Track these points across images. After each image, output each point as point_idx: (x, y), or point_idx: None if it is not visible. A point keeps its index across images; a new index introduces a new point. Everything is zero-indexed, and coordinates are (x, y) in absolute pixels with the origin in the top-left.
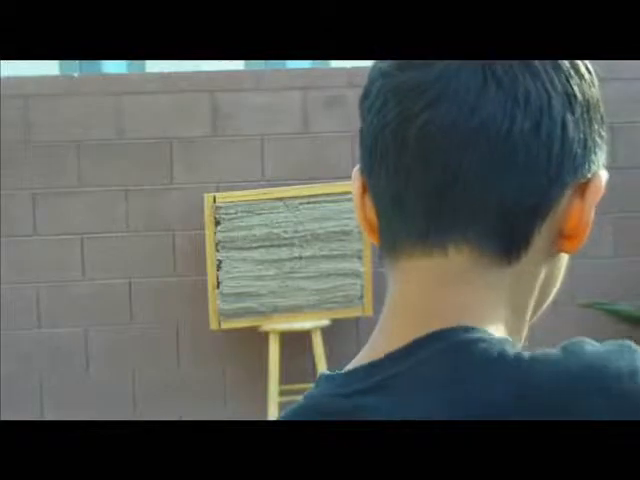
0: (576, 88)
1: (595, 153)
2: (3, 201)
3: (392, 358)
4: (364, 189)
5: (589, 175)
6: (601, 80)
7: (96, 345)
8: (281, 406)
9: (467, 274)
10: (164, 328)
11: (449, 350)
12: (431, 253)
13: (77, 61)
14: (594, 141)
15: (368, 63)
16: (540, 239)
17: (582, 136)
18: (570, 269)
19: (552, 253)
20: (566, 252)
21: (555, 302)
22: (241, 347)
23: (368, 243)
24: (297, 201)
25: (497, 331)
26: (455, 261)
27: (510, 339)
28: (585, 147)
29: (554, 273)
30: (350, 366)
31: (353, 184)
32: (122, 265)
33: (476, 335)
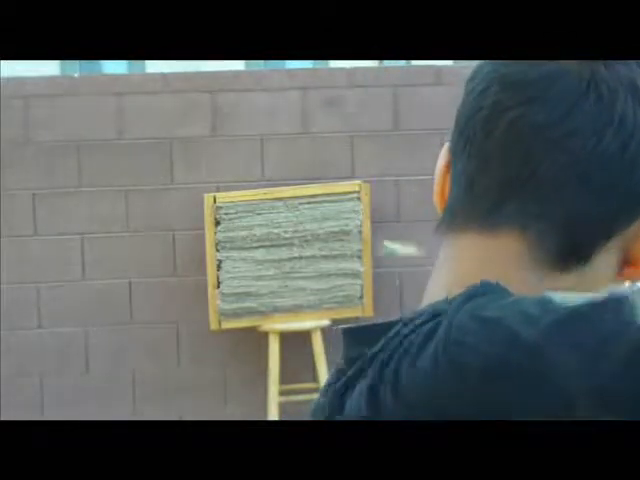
0: None
1: None
2: (3, 201)
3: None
4: (448, 166)
5: None
6: None
7: (96, 345)
8: (281, 406)
9: (509, 259)
10: (164, 328)
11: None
12: (485, 233)
13: (77, 61)
14: None
15: (368, 63)
16: (604, 259)
17: None
18: None
19: (614, 277)
20: (627, 279)
21: None
22: (241, 347)
23: (368, 243)
24: (297, 201)
25: None
26: (503, 243)
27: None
28: None
29: None
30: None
31: (440, 159)
32: (122, 265)
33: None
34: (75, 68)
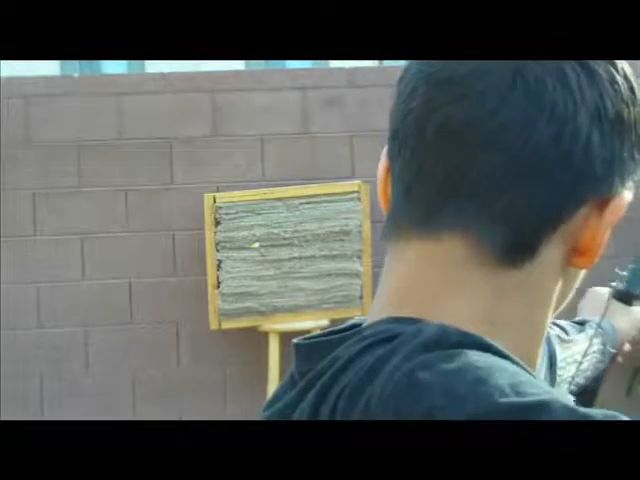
0: (609, 105)
1: (622, 173)
2: (3, 201)
3: (347, 332)
4: (387, 170)
5: (610, 194)
6: None
7: (96, 345)
8: None
9: (456, 262)
10: (164, 328)
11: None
12: (427, 239)
13: (77, 61)
14: (622, 160)
15: (368, 63)
16: (551, 250)
17: (608, 154)
18: None
19: (564, 266)
20: (578, 267)
21: None
22: (241, 347)
23: (368, 243)
24: (297, 201)
25: (485, 332)
26: (446, 247)
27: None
28: (610, 166)
29: (567, 286)
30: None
31: (380, 163)
32: (122, 265)
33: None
34: (75, 68)
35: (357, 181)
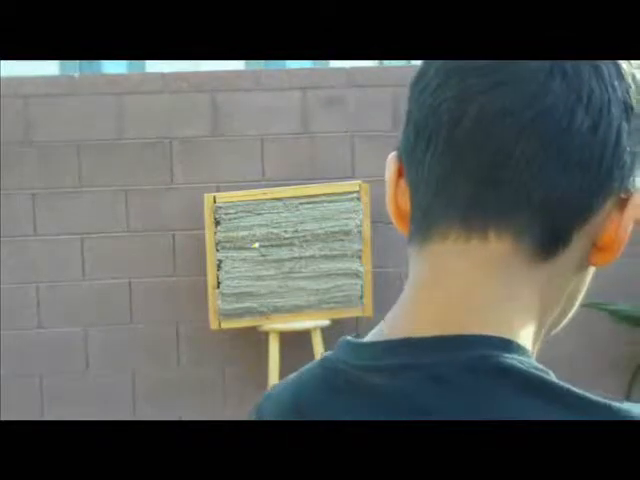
0: (633, 99)
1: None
2: (3, 201)
3: (424, 344)
4: (400, 174)
5: (632, 189)
6: None
7: (96, 345)
8: None
9: (506, 264)
10: (164, 328)
11: (480, 367)
12: (469, 237)
13: (77, 61)
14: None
15: (368, 63)
16: (576, 243)
17: (633, 147)
18: None
19: (584, 263)
20: (597, 264)
21: None
22: (241, 347)
23: (368, 243)
24: (297, 201)
25: (526, 338)
26: (495, 248)
27: (547, 371)
28: (634, 160)
29: (579, 286)
30: (372, 338)
31: (387, 169)
32: (122, 265)
33: (510, 360)
34: (75, 68)
35: (357, 181)
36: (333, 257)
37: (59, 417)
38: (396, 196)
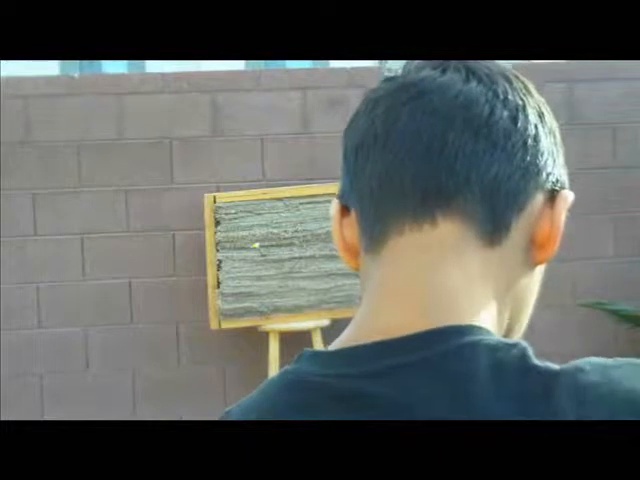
0: (547, 113)
1: (561, 171)
2: (3, 201)
3: (402, 344)
4: (343, 212)
5: (558, 187)
6: (601, 80)
7: (96, 345)
8: None
9: (457, 246)
10: (164, 328)
11: (466, 348)
12: (421, 226)
13: (77, 61)
14: (560, 160)
15: (368, 63)
16: (516, 233)
17: (550, 150)
18: (570, 269)
19: (528, 260)
20: (539, 262)
21: (555, 302)
22: (241, 347)
23: None
24: (297, 201)
25: (492, 326)
26: (445, 231)
27: (525, 346)
28: (554, 159)
29: (530, 286)
30: (337, 345)
31: (332, 213)
32: (122, 265)
33: (492, 340)
34: (75, 68)
35: None
36: (333, 257)
37: (59, 417)
38: (341, 231)
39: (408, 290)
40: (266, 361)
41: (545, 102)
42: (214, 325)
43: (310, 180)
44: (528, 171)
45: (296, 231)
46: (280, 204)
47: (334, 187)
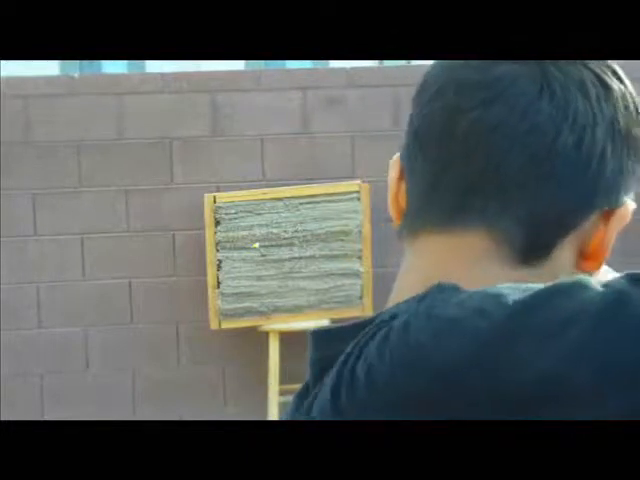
0: (621, 120)
1: (626, 185)
2: (3, 201)
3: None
4: (401, 175)
5: (616, 205)
6: None
7: (96, 345)
8: (281, 406)
9: (480, 257)
10: (164, 328)
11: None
12: (450, 234)
13: (77, 61)
14: (628, 174)
15: (368, 63)
16: (562, 253)
17: (618, 165)
18: None
19: (573, 270)
20: (584, 272)
21: None
22: (241, 347)
23: (368, 243)
24: (297, 201)
25: None
26: (473, 242)
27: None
28: (619, 176)
29: None
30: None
31: (391, 170)
32: (122, 265)
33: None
34: (75, 68)
35: (357, 181)
36: (333, 257)
37: (59, 417)
38: (397, 196)
39: (425, 274)
40: (266, 361)
41: (634, 94)
42: (214, 325)
43: (310, 180)
44: (584, 199)
45: (296, 231)
46: (280, 204)
47: (334, 187)
